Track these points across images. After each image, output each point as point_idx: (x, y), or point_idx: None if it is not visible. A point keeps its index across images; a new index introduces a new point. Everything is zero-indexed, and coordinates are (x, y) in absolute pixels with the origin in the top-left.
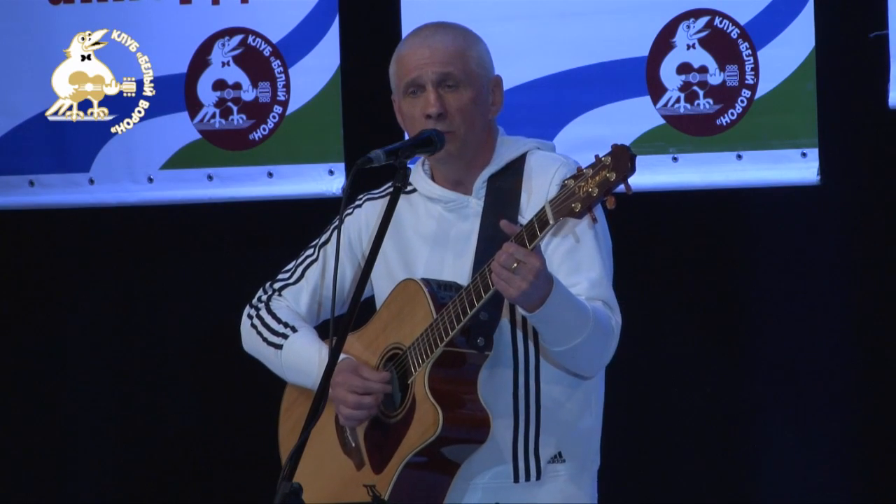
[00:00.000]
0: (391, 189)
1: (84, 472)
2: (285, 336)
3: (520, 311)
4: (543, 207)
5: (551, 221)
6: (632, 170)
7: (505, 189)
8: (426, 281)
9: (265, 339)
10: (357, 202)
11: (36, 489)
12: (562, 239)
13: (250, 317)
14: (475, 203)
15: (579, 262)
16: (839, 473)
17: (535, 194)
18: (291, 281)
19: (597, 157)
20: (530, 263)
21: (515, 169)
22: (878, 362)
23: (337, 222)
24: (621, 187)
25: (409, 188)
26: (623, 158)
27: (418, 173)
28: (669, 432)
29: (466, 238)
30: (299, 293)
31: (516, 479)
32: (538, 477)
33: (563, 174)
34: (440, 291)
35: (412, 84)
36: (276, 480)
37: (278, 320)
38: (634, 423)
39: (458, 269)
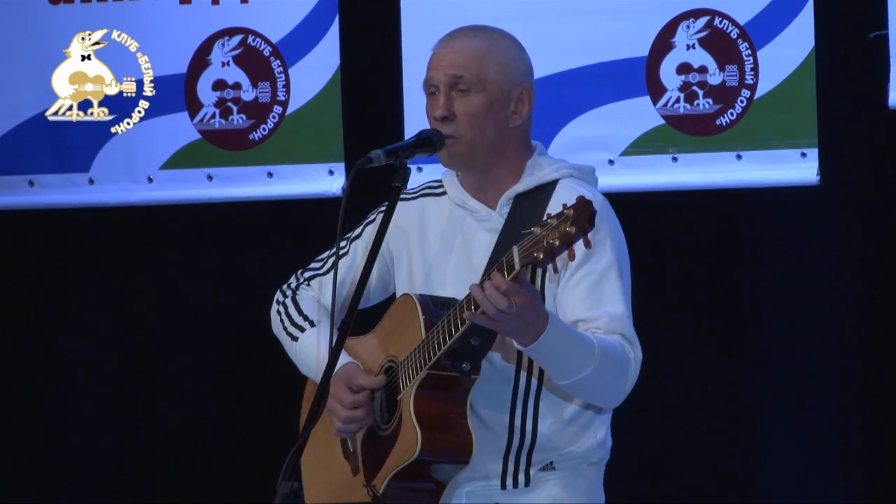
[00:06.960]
0: (423, 190)
1: (82, 473)
2: (302, 329)
3: (515, 344)
4: (512, 250)
5: (517, 267)
6: (591, 226)
7: (529, 211)
8: (422, 298)
9: (285, 329)
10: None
11: (36, 490)
12: (584, 274)
13: (278, 302)
14: (497, 218)
15: (601, 298)
16: (839, 473)
17: None
18: (322, 271)
19: (564, 205)
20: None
21: (545, 193)
22: (879, 362)
23: (372, 216)
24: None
25: (440, 190)
26: (583, 213)
27: (452, 178)
28: (669, 432)
29: (481, 250)
30: (326, 285)
31: (503, 487)
32: (527, 484)
33: None
34: (435, 310)
35: (428, 84)
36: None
37: (300, 311)
38: (633, 423)
39: (467, 278)
